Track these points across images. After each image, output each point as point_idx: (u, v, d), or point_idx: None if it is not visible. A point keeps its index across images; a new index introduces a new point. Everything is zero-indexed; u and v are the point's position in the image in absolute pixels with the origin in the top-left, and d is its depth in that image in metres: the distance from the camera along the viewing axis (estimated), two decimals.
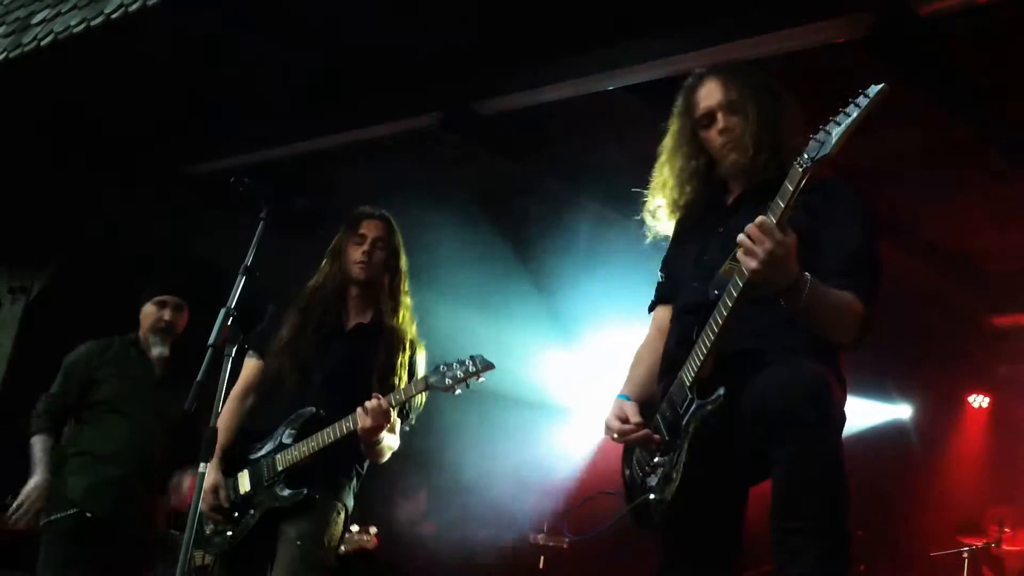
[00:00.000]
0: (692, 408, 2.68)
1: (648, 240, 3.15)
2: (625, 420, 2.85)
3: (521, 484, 8.68)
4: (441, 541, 8.12)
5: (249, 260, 3.46)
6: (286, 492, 3.81)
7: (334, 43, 5.17)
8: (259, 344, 4.08)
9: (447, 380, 3.68)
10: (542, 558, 8.00)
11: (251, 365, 4.10)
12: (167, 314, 4.89)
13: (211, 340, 3.31)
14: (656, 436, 2.78)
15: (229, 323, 3.30)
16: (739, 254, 2.46)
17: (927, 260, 6.79)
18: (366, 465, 4.02)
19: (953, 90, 4.81)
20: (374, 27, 4.97)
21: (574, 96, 4.94)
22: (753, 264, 2.42)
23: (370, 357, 3.94)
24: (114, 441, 4.70)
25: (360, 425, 3.68)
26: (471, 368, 3.69)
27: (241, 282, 3.40)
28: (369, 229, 4.05)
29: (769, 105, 2.89)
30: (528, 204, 6.76)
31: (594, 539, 3.05)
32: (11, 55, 5.56)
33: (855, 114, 2.33)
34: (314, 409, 3.88)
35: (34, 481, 4.66)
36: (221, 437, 3.83)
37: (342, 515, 3.91)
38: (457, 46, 4.94)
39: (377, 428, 3.71)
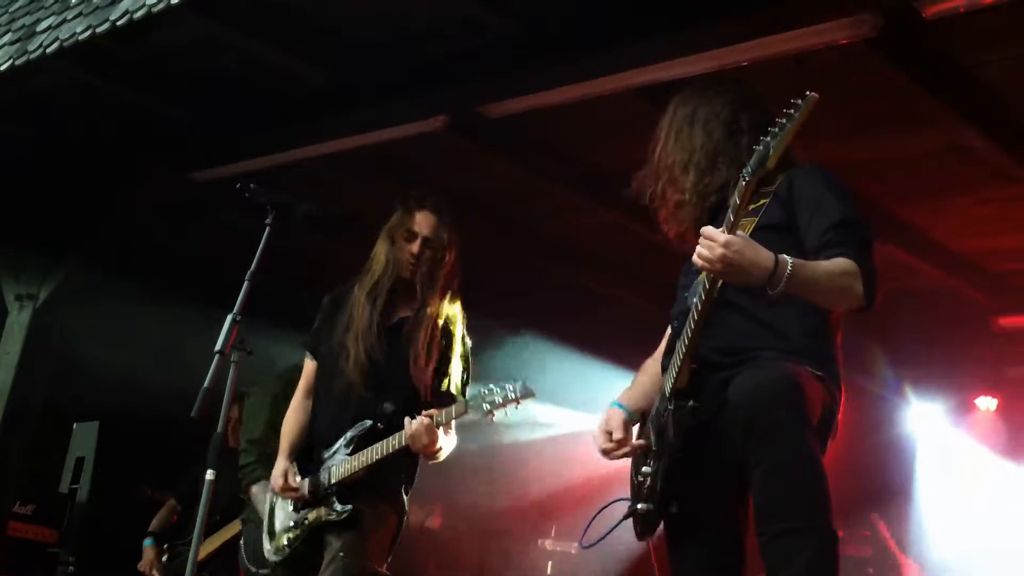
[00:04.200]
0: (668, 418, 2.72)
1: None
2: (610, 435, 2.90)
3: (530, 490, 8.68)
4: (454, 546, 8.12)
5: (254, 266, 3.47)
6: (337, 507, 3.83)
7: (339, 46, 5.18)
8: (314, 344, 4.11)
9: (485, 406, 3.61)
10: (550, 563, 8.00)
11: (309, 366, 4.12)
12: None
13: (218, 346, 3.32)
14: (641, 442, 2.84)
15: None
16: (697, 263, 2.54)
17: (934, 261, 6.77)
18: (417, 465, 4.03)
19: (959, 90, 4.79)
20: (379, 30, 4.97)
21: (579, 99, 4.93)
22: (712, 270, 2.51)
23: (410, 350, 3.91)
24: None
25: (408, 445, 3.70)
26: (511, 395, 3.58)
27: (247, 288, 3.42)
28: (421, 226, 3.98)
29: (692, 130, 2.96)
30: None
31: (603, 544, 3.05)
32: (17, 62, 5.57)
33: (789, 125, 2.41)
34: (370, 423, 3.86)
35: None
36: (291, 438, 4.01)
37: (394, 520, 3.91)
38: (464, 49, 4.94)
39: (424, 446, 3.71)
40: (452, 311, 4.02)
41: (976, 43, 4.39)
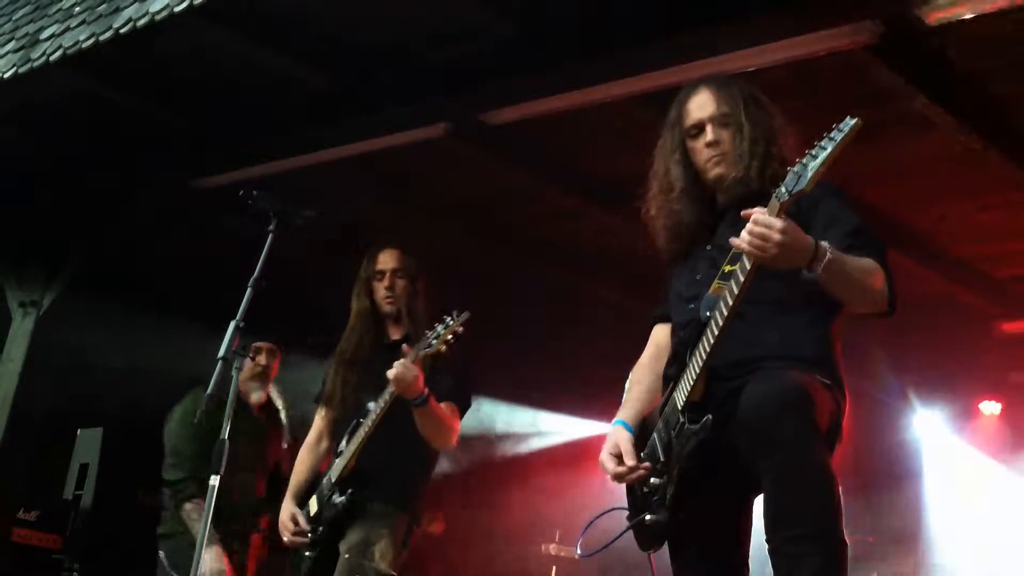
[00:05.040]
0: (683, 432, 2.70)
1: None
2: (619, 457, 2.86)
3: (533, 495, 8.68)
4: (458, 552, 8.12)
5: (257, 273, 3.48)
6: (337, 499, 3.91)
7: (340, 53, 5.19)
8: (320, 397, 4.27)
9: (432, 343, 3.72)
10: (554, 568, 7.99)
11: (319, 415, 4.28)
12: (261, 359, 4.95)
13: (221, 353, 3.33)
14: (647, 464, 2.79)
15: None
16: (746, 248, 2.48)
17: (937, 267, 6.76)
18: (428, 471, 4.12)
19: (961, 97, 4.79)
20: (381, 37, 4.98)
21: (580, 106, 4.94)
22: (764, 254, 2.46)
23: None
24: (237, 495, 4.70)
25: (393, 375, 3.70)
26: (449, 323, 3.73)
27: (249, 295, 3.43)
28: (385, 262, 4.15)
29: (759, 118, 2.90)
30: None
31: (605, 552, 3.06)
32: (20, 70, 5.59)
33: (830, 148, 2.39)
34: (357, 420, 3.95)
35: (209, 557, 4.59)
36: (296, 476, 4.16)
37: (404, 522, 3.97)
38: (465, 55, 4.95)
39: (410, 382, 3.71)
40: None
41: (978, 49, 4.39)
